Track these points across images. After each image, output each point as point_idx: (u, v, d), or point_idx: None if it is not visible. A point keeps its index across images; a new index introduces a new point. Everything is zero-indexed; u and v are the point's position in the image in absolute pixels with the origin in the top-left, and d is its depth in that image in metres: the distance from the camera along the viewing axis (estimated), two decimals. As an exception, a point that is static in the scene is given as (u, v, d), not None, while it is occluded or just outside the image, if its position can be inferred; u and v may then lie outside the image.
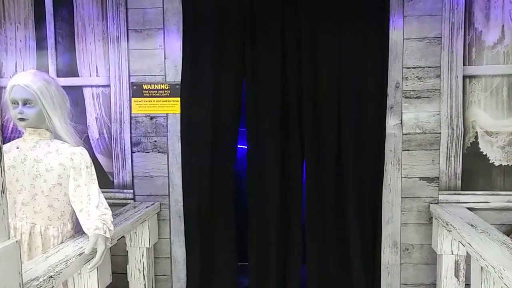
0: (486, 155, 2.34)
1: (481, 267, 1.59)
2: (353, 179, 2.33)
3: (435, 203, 2.35)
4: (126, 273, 2.32)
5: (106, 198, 1.76)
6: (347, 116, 2.31)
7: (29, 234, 1.69)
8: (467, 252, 1.94)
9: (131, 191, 2.52)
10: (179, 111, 2.46)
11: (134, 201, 2.51)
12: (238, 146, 2.48)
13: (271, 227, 2.41)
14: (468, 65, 2.32)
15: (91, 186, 1.72)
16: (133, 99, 2.50)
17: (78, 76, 2.54)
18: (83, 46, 2.53)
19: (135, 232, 2.28)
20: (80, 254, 1.56)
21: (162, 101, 2.48)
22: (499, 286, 1.47)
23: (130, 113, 2.51)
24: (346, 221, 2.36)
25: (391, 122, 2.35)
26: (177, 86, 2.45)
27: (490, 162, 2.34)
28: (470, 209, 2.26)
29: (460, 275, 2.14)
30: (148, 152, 2.51)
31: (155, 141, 2.50)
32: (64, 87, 1.85)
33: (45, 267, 1.41)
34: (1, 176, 1.09)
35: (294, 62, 2.33)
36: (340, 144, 2.33)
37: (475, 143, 2.34)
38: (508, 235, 2.02)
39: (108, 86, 2.52)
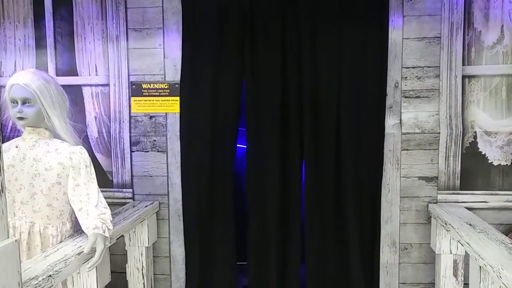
0: (485, 154, 2.34)
1: (480, 267, 1.59)
2: (352, 178, 2.33)
3: (434, 203, 2.35)
4: (125, 272, 2.32)
5: (105, 197, 1.77)
6: (347, 116, 2.31)
7: (28, 233, 1.69)
8: (465, 252, 1.94)
9: (130, 190, 2.52)
10: (178, 111, 2.46)
11: (133, 200, 2.52)
12: (238, 145, 2.48)
13: (270, 226, 2.41)
14: (467, 65, 2.32)
15: (90, 185, 1.72)
16: (132, 98, 2.50)
17: (77, 75, 2.54)
18: (82, 45, 2.53)
19: (134, 231, 2.28)
20: (79, 253, 1.56)
21: (162, 100, 2.48)
22: (498, 285, 1.47)
23: (130, 112, 2.51)
24: (345, 220, 2.36)
25: (390, 121, 2.36)
26: (177, 85, 2.45)
27: (489, 162, 2.34)
28: (469, 208, 2.26)
29: (458, 274, 2.14)
30: (147, 151, 2.51)
31: (154, 141, 2.50)
32: (63, 86, 1.84)
33: (44, 266, 1.41)
34: (0, 175, 1.09)
35: (294, 61, 2.33)
36: (339, 143, 2.34)
37: (474, 143, 2.34)
38: (506, 235, 2.02)
39: (108, 85, 2.51)
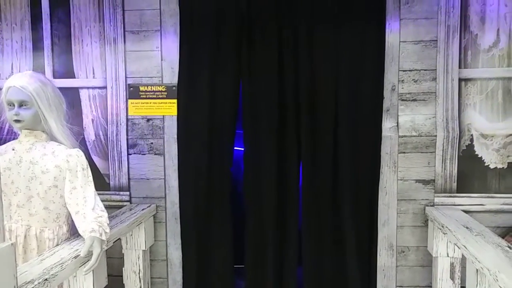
0: (481, 157, 2.35)
1: (477, 270, 1.60)
2: (349, 181, 2.34)
3: (430, 206, 2.35)
4: (122, 276, 2.31)
5: (102, 200, 1.76)
6: (344, 116, 2.32)
7: (24, 236, 1.68)
8: (462, 255, 1.95)
9: (127, 193, 2.51)
10: (175, 113, 2.45)
11: (130, 203, 2.51)
12: (235, 147, 2.48)
13: (267, 227, 2.41)
14: (464, 68, 2.33)
15: (87, 188, 1.71)
16: (129, 101, 2.49)
17: (74, 77, 2.54)
18: (79, 47, 2.53)
19: (131, 235, 2.27)
20: (75, 257, 1.55)
21: (159, 102, 2.47)
22: (494, 288, 1.47)
23: (127, 115, 2.50)
24: (342, 222, 2.36)
25: (387, 124, 2.36)
26: (174, 87, 2.45)
27: (485, 164, 2.35)
28: (466, 211, 2.27)
29: (455, 277, 2.14)
30: (144, 154, 2.50)
31: (152, 143, 2.50)
32: (60, 88, 1.84)
33: (40, 270, 1.40)
34: (-4, 179, 1.09)
35: (291, 61, 2.33)
36: (337, 145, 2.34)
37: (471, 146, 2.35)
38: (503, 238, 2.03)
39: (105, 87, 2.51)
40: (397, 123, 2.36)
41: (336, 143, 2.34)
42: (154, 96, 2.47)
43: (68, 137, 1.77)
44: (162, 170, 2.49)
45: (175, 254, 2.51)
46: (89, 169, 1.75)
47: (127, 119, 2.50)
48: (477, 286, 1.61)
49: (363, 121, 2.33)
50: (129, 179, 2.51)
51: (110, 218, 1.95)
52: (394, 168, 2.37)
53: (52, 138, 1.75)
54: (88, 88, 2.54)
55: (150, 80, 2.47)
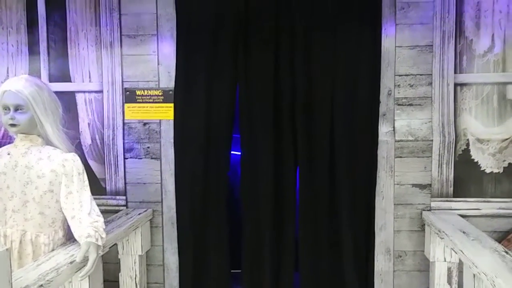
0: (477, 162, 2.36)
1: (474, 275, 1.60)
2: (346, 185, 2.34)
3: (427, 210, 2.36)
4: (118, 281, 2.29)
5: (98, 205, 1.75)
6: (341, 123, 2.32)
7: (20, 241, 1.66)
8: (459, 259, 1.95)
9: (124, 197, 2.50)
10: (172, 117, 2.45)
11: (127, 207, 2.49)
12: (232, 152, 2.48)
13: (264, 232, 2.41)
14: (459, 73, 2.34)
15: (83, 193, 1.70)
16: (126, 105, 2.49)
17: (70, 81, 2.53)
18: (76, 51, 2.52)
19: (128, 240, 2.26)
20: (71, 262, 1.54)
21: (156, 107, 2.47)
22: (492, 293, 1.47)
23: (123, 119, 2.49)
24: (339, 227, 2.36)
25: (383, 129, 2.37)
26: (171, 92, 2.45)
27: (481, 169, 2.36)
28: (462, 216, 2.27)
29: (452, 282, 2.15)
30: (141, 159, 2.49)
31: (148, 147, 2.49)
32: (56, 92, 1.83)
33: (35, 275, 1.39)
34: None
35: (288, 67, 2.34)
36: (333, 150, 2.35)
37: (467, 151, 2.36)
38: (500, 242, 2.04)
39: (101, 91, 2.50)
40: (394, 127, 2.37)
41: (332, 147, 2.35)
42: (151, 100, 2.47)
43: (64, 141, 1.75)
44: (159, 174, 2.48)
45: (172, 259, 2.50)
46: (85, 173, 1.74)
47: (124, 123, 2.49)
48: (474, 290, 1.61)
49: (360, 125, 2.34)
50: (125, 183, 2.50)
51: (106, 223, 1.94)
52: (390, 173, 2.37)
53: (48, 142, 1.74)
54: (84, 92, 2.53)
55: (146, 84, 2.47)
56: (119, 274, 2.29)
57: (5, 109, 1.66)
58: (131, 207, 2.49)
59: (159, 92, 2.46)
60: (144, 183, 2.49)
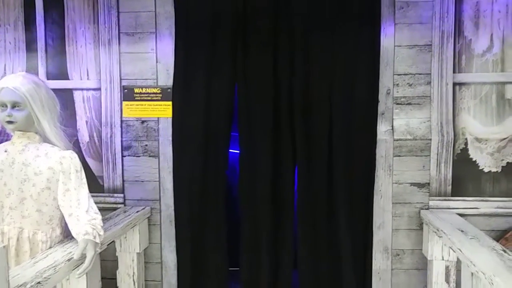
0: (475, 161, 2.36)
1: (472, 273, 1.60)
2: (344, 184, 2.34)
3: (425, 209, 2.36)
4: (115, 279, 2.29)
5: (96, 203, 1.74)
6: (339, 121, 2.32)
7: (17, 239, 1.66)
8: (457, 258, 1.95)
9: (122, 195, 2.49)
10: (170, 115, 2.44)
11: (125, 205, 2.49)
12: (230, 150, 2.48)
13: (262, 231, 2.41)
14: (458, 72, 2.34)
15: (81, 190, 1.69)
16: (124, 103, 2.48)
17: (68, 79, 2.52)
18: (73, 48, 2.51)
19: (125, 237, 2.25)
20: (69, 260, 1.53)
21: (154, 105, 2.46)
22: (490, 291, 1.48)
23: (121, 117, 2.49)
24: (337, 226, 2.36)
25: (382, 128, 2.37)
26: (169, 90, 2.44)
27: (480, 168, 2.36)
28: (460, 214, 2.27)
29: (450, 280, 2.15)
30: (139, 156, 2.49)
31: (146, 145, 2.48)
32: (54, 90, 1.82)
33: (33, 273, 1.38)
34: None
35: (287, 66, 2.33)
36: (332, 148, 2.34)
37: (465, 150, 2.37)
38: (498, 241, 2.04)
39: (99, 89, 2.49)
40: (392, 126, 2.37)
41: (331, 146, 2.35)
42: (149, 98, 2.46)
43: (62, 138, 1.75)
44: (157, 172, 2.48)
45: (170, 256, 2.49)
46: (82, 171, 1.73)
47: (122, 121, 2.49)
48: (472, 289, 1.61)
49: (358, 124, 2.33)
50: (123, 181, 2.49)
51: (104, 220, 1.94)
52: (389, 172, 2.37)
53: (45, 139, 1.73)
54: (82, 89, 2.52)
55: (145, 82, 2.46)
56: (117, 271, 2.29)
57: (2, 106, 1.65)
58: (129, 204, 2.49)
59: (158, 90, 2.45)
60: (142, 181, 2.49)
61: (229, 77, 2.39)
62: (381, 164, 2.37)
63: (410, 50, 2.34)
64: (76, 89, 2.52)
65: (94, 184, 2.46)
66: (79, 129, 2.53)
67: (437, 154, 2.35)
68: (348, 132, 2.33)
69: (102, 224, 1.67)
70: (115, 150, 2.48)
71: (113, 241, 2.10)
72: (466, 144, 2.36)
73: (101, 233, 1.65)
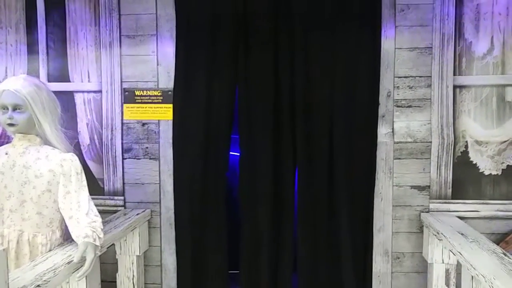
0: (476, 164, 2.36)
1: (472, 276, 1.59)
2: (345, 186, 2.33)
3: (426, 212, 2.36)
4: (115, 282, 2.29)
5: (96, 205, 1.74)
6: (340, 124, 2.32)
7: (17, 241, 1.66)
8: (457, 261, 1.95)
9: (122, 198, 2.49)
10: (171, 118, 2.44)
11: (125, 208, 2.49)
12: (231, 153, 2.48)
13: (263, 233, 2.40)
14: (458, 75, 2.34)
15: (81, 193, 1.70)
16: (125, 105, 2.48)
17: (69, 81, 2.52)
18: (75, 51, 2.51)
19: (125, 240, 2.25)
20: (68, 262, 1.53)
21: (154, 107, 2.47)
22: (490, 295, 1.47)
23: (122, 119, 2.49)
24: (337, 228, 2.36)
25: (382, 130, 2.37)
26: (170, 92, 2.44)
27: (480, 171, 2.36)
28: (461, 217, 2.27)
29: (450, 284, 2.14)
30: (139, 159, 2.49)
31: (147, 148, 2.48)
32: (55, 92, 1.82)
33: (32, 276, 1.38)
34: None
35: (287, 68, 2.34)
36: (332, 151, 2.34)
37: (465, 152, 2.36)
38: (498, 244, 2.04)
39: (100, 91, 2.50)
40: (393, 129, 2.37)
41: (331, 148, 2.35)
42: (150, 101, 2.46)
43: (62, 141, 1.75)
44: (157, 175, 2.48)
45: (170, 259, 2.49)
46: (83, 173, 1.73)
47: (122, 123, 2.49)
48: (472, 292, 1.61)
49: (359, 126, 2.33)
50: (123, 183, 2.50)
51: (104, 223, 1.94)
52: (389, 174, 2.37)
53: (46, 142, 1.73)
54: (83, 92, 2.53)
55: (145, 84, 2.46)
56: (117, 274, 2.29)
57: (3, 109, 1.65)
58: (129, 207, 2.49)
59: (158, 93, 2.46)
60: (143, 184, 2.49)
61: (230, 79, 2.39)
62: (381, 167, 2.37)
63: (410, 52, 2.35)
64: (77, 92, 2.53)
65: (95, 187, 2.46)
66: (80, 131, 2.53)
67: (438, 157, 2.35)
68: (348, 134, 2.33)
69: (102, 227, 1.67)
70: (115, 152, 2.49)
71: (113, 244, 2.10)
72: (466, 146, 2.36)
73: (101, 235, 1.65)
